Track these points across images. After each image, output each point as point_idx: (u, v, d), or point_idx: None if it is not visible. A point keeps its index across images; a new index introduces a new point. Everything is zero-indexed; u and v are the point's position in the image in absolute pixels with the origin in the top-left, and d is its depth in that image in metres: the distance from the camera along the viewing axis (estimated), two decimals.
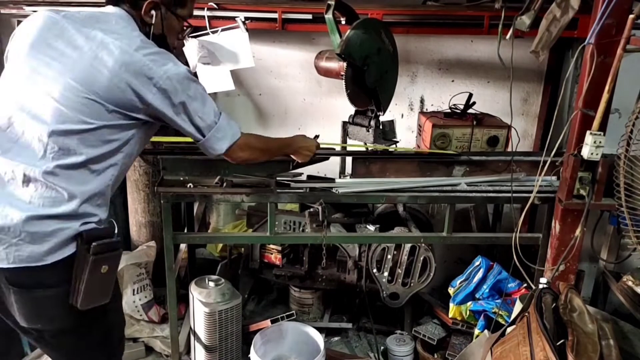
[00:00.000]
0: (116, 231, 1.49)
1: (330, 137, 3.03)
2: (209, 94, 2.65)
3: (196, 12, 2.62)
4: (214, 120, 1.59)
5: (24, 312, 1.42)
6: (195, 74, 1.61)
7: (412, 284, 2.67)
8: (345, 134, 2.64)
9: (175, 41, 1.71)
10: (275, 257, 2.85)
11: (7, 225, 1.36)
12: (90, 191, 1.45)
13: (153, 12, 1.55)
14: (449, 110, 2.81)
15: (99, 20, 1.48)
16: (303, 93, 3.26)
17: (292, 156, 2.12)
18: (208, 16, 2.62)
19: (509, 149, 2.59)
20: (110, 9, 1.54)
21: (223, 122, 1.62)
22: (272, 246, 2.83)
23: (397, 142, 2.63)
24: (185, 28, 1.72)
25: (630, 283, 2.25)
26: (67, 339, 1.52)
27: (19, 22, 3.22)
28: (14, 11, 3.00)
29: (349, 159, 2.52)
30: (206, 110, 1.57)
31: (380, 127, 2.51)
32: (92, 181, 1.45)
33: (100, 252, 1.40)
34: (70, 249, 1.41)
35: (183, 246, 3.05)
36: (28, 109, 1.40)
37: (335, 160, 2.65)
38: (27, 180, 1.38)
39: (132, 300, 2.72)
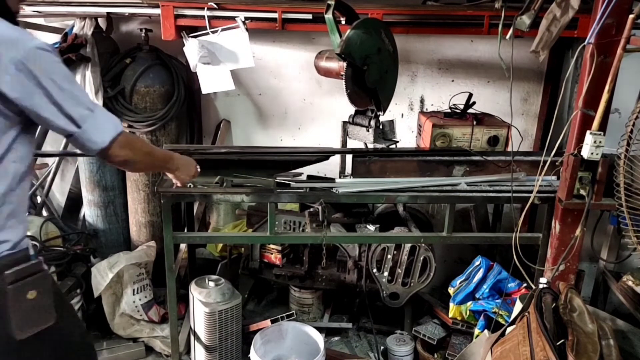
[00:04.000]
0: (31, 253, 1.34)
1: (331, 137, 3.04)
2: (209, 93, 2.65)
3: (196, 12, 2.64)
4: (90, 108, 1.32)
5: None
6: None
7: (412, 284, 2.67)
8: (345, 134, 2.64)
9: (17, 4, 1.40)
10: (275, 257, 2.85)
11: None
12: None
13: None
14: (449, 110, 2.81)
15: None
16: (303, 93, 3.26)
17: (169, 174, 1.86)
18: (208, 16, 2.62)
19: (509, 149, 2.59)
20: None
21: (100, 111, 1.36)
22: (272, 246, 2.83)
23: (397, 142, 2.63)
24: None
25: (630, 283, 2.25)
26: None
27: (19, 22, 3.23)
28: None
29: (349, 159, 2.52)
30: (78, 95, 1.31)
31: (380, 127, 2.51)
32: None
33: (17, 279, 1.27)
34: None
35: (183, 246, 3.05)
36: None
37: (335, 160, 2.65)
38: None
39: (132, 300, 2.72)
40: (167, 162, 1.75)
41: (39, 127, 1.39)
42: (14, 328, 1.28)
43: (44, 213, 3.47)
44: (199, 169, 1.90)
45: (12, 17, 1.33)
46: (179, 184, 1.90)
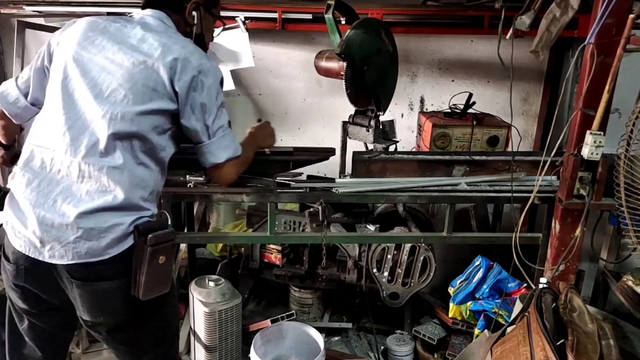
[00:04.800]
0: (169, 222, 1.54)
1: (331, 137, 3.04)
2: None
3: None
4: (225, 126, 1.62)
5: (87, 306, 1.48)
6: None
7: (412, 284, 2.67)
8: (345, 134, 2.64)
9: (209, 40, 1.80)
10: (275, 257, 2.85)
11: (65, 223, 1.40)
12: (145, 184, 1.50)
13: (194, 13, 1.65)
14: (449, 110, 2.81)
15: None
16: (303, 93, 3.26)
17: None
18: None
19: (509, 149, 2.59)
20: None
21: (230, 133, 1.65)
22: (272, 246, 2.83)
23: (397, 142, 2.63)
24: (218, 27, 1.82)
25: (630, 283, 2.25)
26: (127, 332, 1.57)
27: (19, 22, 3.23)
28: (14, 11, 3.00)
29: (349, 159, 2.51)
30: (220, 115, 1.61)
31: (380, 127, 2.51)
32: (145, 174, 1.50)
33: (156, 243, 1.44)
34: (127, 243, 1.45)
35: (183, 246, 3.05)
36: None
37: (335, 160, 2.65)
38: (81, 175, 1.43)
39: None
40: (256, 149, 1.95)
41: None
42: (141, 289, 1.44)
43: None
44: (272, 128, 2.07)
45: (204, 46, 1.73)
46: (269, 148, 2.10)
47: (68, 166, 1.43)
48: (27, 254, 1.45)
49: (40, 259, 1.43)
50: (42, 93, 1.58)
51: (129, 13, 1.63)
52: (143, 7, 1.64)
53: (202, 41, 1.72)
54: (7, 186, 1.55)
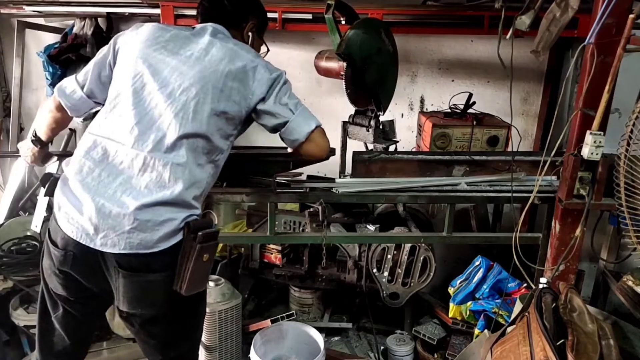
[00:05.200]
0: (215, 222, 1.62)
1: (331, 137, 3.03)
2: None
3: (196, 12, 2.64)
4: (298, 102, 1.72)
5: (129, 296, 1.53)
6: None
7: (412, 284, 2.67)
8: (345, 134, 2.64)
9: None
10: (275, 257, 2.85)
11: (122, 213, 1.46)
12: (200, 184, 1.57)
13: (250, 33, 1.82)
14: (449, 110, 2.81)
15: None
16: (303, 93, 3.25)
17: None
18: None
19: (509, 149, 2.59)
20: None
21: (307, 109, 1.74)
22: (272, 246, 2.83)
23: (397, 142, 2.63)
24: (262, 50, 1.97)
25: (630, 283, 2.24)
26: (161, 326, 1.62)
27: (19, 22, 3.23)
28: (14, 11, 3.00)
29: (349, 159, 2.51)
30: (293, 96, 1.73)
31: (380, 127, 2.51)
32: (201, 175, 1.58)
33: (204, 240, 1.50)
34: (177, 238, 1.51)
35: None
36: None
37: (335, 160, 2.64)
38: (144, 168, 1.50)
39: None
40: None
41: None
42: (184, 284, 1.50)
43: (44, 213, 3.47)
44: None
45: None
46: None
47: (132, 159, 1.50)
48: (78, 240, 1.49)
49: (91, 246, 1.48)
50: (99, 86, 1.70)
51: (192, 26, 1.77)
52: (203, 21, 1.77)
53: None
54: (60, 173, 1.61)
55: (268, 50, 2.00)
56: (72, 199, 1.51)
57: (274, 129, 1.73)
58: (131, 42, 1.64)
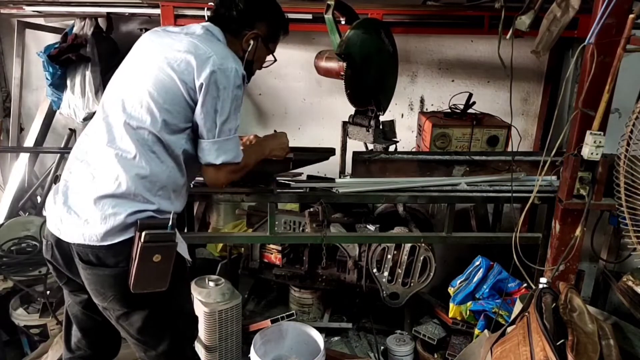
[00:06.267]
0: (170, 223, 1.55)
1: (331, 137, 3.03)
2: None
3: (196, 12, 2.64)
4: (233, 130, 1.64)
5: (91, 289, 1.59)
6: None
7: (412, 284, 2.67)
8: (345, 134, 2.64)
9: (257, 69, 1.95)
10: (275, 257, 2.84)
11: (79, 205, 1.53)
12: (154, 178, 1.55)
13: (252, 41, 1.77)
14: (449, 110, 2.81)
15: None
16: (303, 93, 3.26)
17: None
18: (208, 16, 2.62)
19: (509, 149, 2.59)
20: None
21: (235, 139, 1.66)
22: (272, 246, 2.83)
23: (397, 142, 2.63)
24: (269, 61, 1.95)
25: (630, 283, 2.24)
26: (133, 322, 1.62)
27: (19, 22, 3.23)
28: (14, 11, 3.00)
29: (349, 159, 2.52)
30: (231, 118, 1.62)
31: (380, 127, 2.51)
32: (157, 169, 1.56)
33: (151, 240, 1.48)
34: (128, 234, 1.51)
35: None
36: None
37: (335, 160, 2.65)
38: (98, 161, 1.54)
39: None
40: (261, 157, 1.98)
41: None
42: (131, 281, 1.50)
43: (44, 213, 3.47)
44: (287, 140, 2.14)
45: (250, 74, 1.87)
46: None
47: (92, 151, 1.57)
48: (52, 231, 1.58)
49: (60, 237, 1.56)
50: None
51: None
52: (208, 21, 1.78)
53: (250, 67, 1.85)
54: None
55: (275, 60, 1.96)
56: (56, 194, 1.61)
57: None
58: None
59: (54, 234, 1.58)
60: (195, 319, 1.87)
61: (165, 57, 1.57)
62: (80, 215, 1.51)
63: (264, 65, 1.97)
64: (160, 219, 1.56)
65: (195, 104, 1.57)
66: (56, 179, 1.79)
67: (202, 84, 1.54)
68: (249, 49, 1.78)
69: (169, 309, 1.65)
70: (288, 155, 2.14)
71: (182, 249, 1.65)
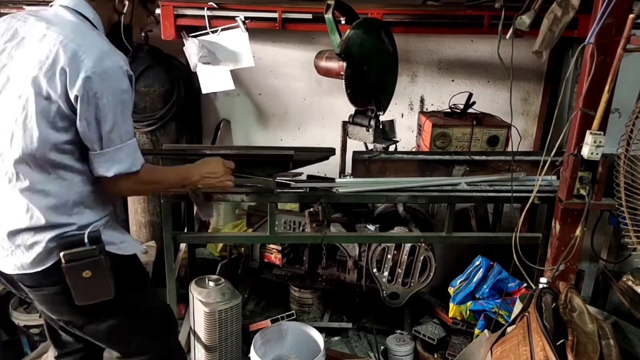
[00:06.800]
0: (87, 240, 1.47)
1: (331, 137, 3.04)
2: (209, 93, 2.63)
3: (196, 12, 2.64)
4: (123, 138, 1.46)
5: (46, 308, 1.58)
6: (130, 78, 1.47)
7: (412, 284, 2.67)
8: (345, 134, 2.64)
9: (137, 34, 1.73)
10: (275, 257, 2.84)
11: (2, 237, 1.48)
12: (62, 201, 1.47)
13: (126, 1, 1.54)
14: (449, 110, 2.80)
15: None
16: (303, 93, 3.26)
17: (200, 186, 1.94)
18: (208, 16, 2.62)
19: (509, 149, 2.59)
20: None
21: (129, 146, 1.48)
22: (272, 246, 2.83)
23: (397, 142, 2.63)
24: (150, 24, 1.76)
25: (630, 283, 2.25)
26: (96, 328, 1.61)
27: None
28: (14, 11, 3.00)
29: (349, 159, 2.52)
30: (119, 125, 1.44)
31: (380, 126, 2.51)
32: (60, 191, 1.46)
33: (72, 260, 1.44)
34: (53, 258, 1.47)
35: (183, 246, 3.05)
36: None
37: (335, 160, 2.65)
38: (8, 196, 1.46)
39: None
40: (185, 181, 1.80)
41: None
42: (73, 297, 1.48)
43: None
44: (232, 165, 1.91)
45: (122, 43, 1.59)
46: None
47: (2, 185, 1.47)
48: None
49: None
50: None
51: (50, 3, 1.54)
52: None
53: (130, 33, 1.62)
54: None
55: (157, 23, 1.76)
56: None
57: None
58: None
59: None
60: (164, 314, 1.83)
61: (25, 72, 1.38)
62: (6, 247, 1.48)
63: (145, 29, 1.81)
64: (77, 234, 1.48)
65: (76, 113, 1.39)
66: None
67: (76, 96, 1.36)
68: (124, 11, 1.55)
69: (126, 310, 1.62)
70: (288, 153, 2.12)
71: (133, 248, 1.63)
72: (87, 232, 1.48)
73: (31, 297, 1.57)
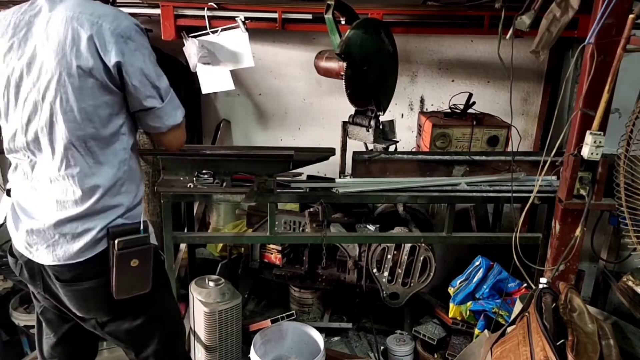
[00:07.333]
0: (142, 227, 1.53)
1: (331, 137, 3.03)
2: (209, 93, 2.62)
3: (196, 12, 2.64)
4: (168, 85, 1.50)
5: (74, 304, 1.54)
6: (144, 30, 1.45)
7: (412, 284, 2.67)
8: (345, 134, 2.64)
9: None
10: (275, 257, 2.85)
11: (44, 228, 1.46)
12: (105, 182, 1.46)
13: None
14: (449, 110, 2.81)
15: None
16: (303, 93, 3.26)
17: None
18: (208, 16, 2.62)
19: (509, 149, 2.59)
20: None
21: (174, 94, 1.54)
22: (272, 246, 2.83)
23: (397, 142, 2.63)
24: None
25: (630, 283, 2.24)
26: (118, 328, 1.61)
27: None
28: None
29: (349, 159, 2.52)
30: (160, 73, 1.48)
31: (380, 127, 2.51)
32: (102, 172, 1.46)
33: (125, 247, 1.46)
34: (101, 246, 1.48)
35: (183, 246, 3.05)
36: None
37: (335, 160, 2.65)
38: (55, 184, 1.45)
39: None
40: None
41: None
42: (113, 289, 1.48)
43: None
44: None
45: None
46: None
47: (45, 179, 1.46)
48: (22, 252, 1.53)
49: (31, 257, 1.51)
50: None
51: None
52: None
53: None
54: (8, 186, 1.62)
55: None
56: (14, 214, 1.54)
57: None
58: None
59: (23, 254, 1.53)
60: (179, 313, 1.88)
61: (54, 51, 1.34)
62: (48, 237, 1.46)
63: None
64: (130, 224, 1.51)
65: (115, 85, 1.39)
66: (8, 192, 1.71)
67: (117, 62, 1.35)
68: None
69: (153, 308, 1.64)
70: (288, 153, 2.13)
71: (153, 239, 1.64)
72: (141, 220, 1.54)
73: (61, 292, 1.52)
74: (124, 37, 1.37)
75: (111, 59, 1.35)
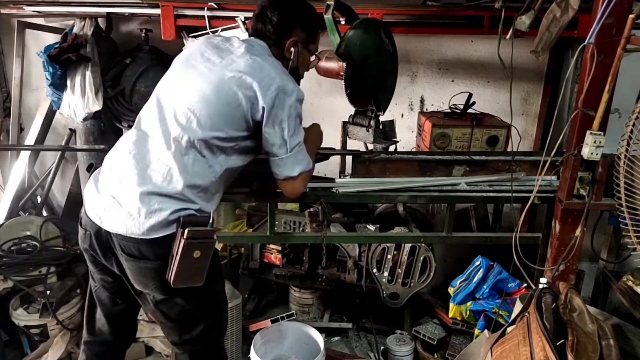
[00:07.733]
0: (211, 221, 1.65)
1: (331, 137, 3.03)
2: None
3: (196, 12, 2.64)
4: (301, 142, 1.77)
5: (134, 278, 1.68)
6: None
7: (412, 284, 2.67)
8: (345, 134, 2.64)
9: (304, 71, 2.01)
10: (275, 257, 2.85)
11: (126, 199, 1.59)
12: (200, 182, 1.63)
13: (293, 49, 1.83)
14: (449, 110, 2.81)
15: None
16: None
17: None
18: (208, 16, 2.62)
19: (509, 149, 2.59)
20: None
21: (304, 149, 1.79)
22: (272, 246, 2.83)
23: (397, 142, 2.63)
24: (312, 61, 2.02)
25: (630, 283, 2.25)
26: (168, 309, 1.72)
27: (19, 22, 3.23)
28: (14, 11, 3.00)
29: (349, 159, 2.51)
30: (298, 132, 1.75)
31: (380, 127, 2.51)
32: (205, 172, 1.65)
33: (193, 237, 1.54)
34: (170, 229, 1.59)
35: None
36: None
37: (335, 160, 2.65)
38: (150, 160, 1.62)
39: None
40: (315, 150, 2.06)
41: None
42: (172, 277, 1.57)
43: (44, 213, 3.47)
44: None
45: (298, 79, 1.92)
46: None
47: (148, 151, 1.64)
48: (93, 220, 1.65)
49: (102, 225, 1.63)
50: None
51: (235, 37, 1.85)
52: (250, 35, 1.87)
53: (297, 73, 1.90)
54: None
55: (319, 60, 2.07)
56: (95, 182, 1.69)
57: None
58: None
59: (94, 223, 1.64)
60: (227, 310, 2.01)
61: (228, 73, 1.65)
62: (124, 207, 1.58)
63: (310, 67, 2.03)
64: (200, 216, 1.63)
65: (254, 121, 1.67)
66: (90, 166, 1.90)
67: (265, 106, 1.64)
68: (292, 57, 1.84)
69: (207, 298, 1.75)
70: None
71: None
72: (211, 214, 1.68)
73: (125, 265, 1.64)
74: (283, 92, 1.69)
75: (264, 102, 1.66)
